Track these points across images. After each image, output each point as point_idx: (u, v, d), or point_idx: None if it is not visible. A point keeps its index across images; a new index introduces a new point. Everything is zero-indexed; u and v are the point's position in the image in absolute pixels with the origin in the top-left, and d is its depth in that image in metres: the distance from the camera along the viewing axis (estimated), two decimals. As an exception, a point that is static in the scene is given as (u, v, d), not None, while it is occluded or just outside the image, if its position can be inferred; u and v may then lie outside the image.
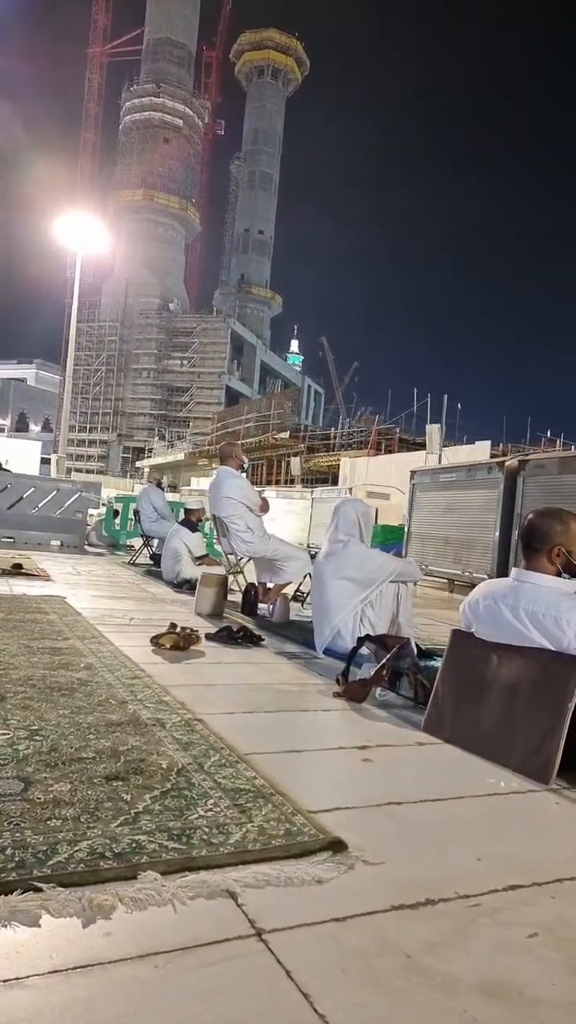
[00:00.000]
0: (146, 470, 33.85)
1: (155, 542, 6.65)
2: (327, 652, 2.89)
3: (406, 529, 7.96)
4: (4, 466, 10.55)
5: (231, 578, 4.35)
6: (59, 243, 18.64)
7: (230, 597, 4.13)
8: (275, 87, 63.95)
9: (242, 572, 4.50)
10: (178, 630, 2.80)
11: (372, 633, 2.67)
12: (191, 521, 5.36)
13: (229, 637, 3.03)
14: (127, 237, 51.87)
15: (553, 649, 1.73)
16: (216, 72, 61.43)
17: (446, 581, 7.18)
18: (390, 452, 19.04)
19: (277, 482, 24.47)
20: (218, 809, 1.27)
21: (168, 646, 2.71)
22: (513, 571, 1.91)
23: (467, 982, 0.86)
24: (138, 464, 41.96)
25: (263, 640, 3.12)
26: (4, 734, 1.56)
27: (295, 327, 76.05)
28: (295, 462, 22.32)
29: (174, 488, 23.78)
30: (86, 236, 17.88)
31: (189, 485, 24.09)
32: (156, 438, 44.95)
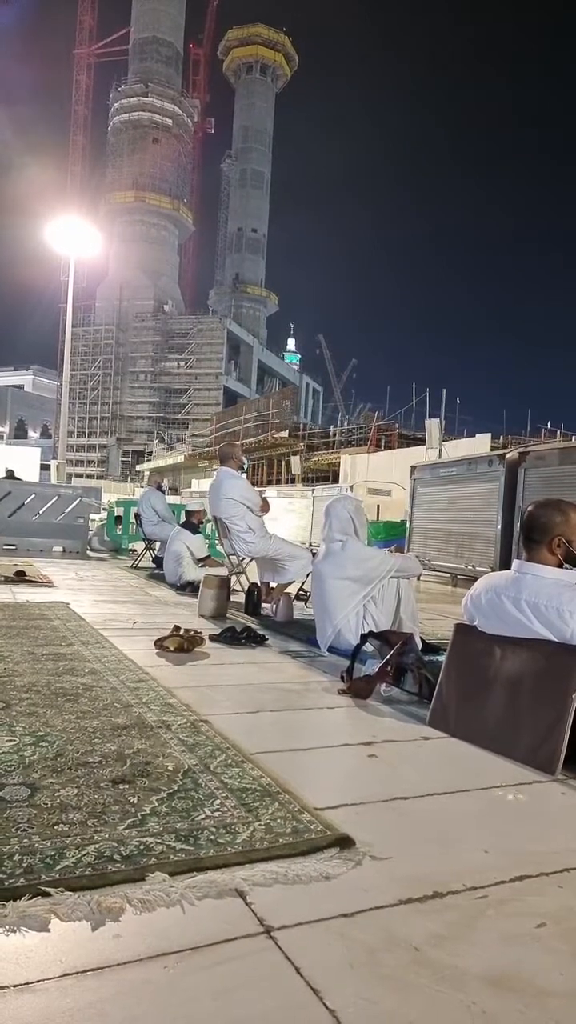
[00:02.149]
0: (146, 473, 33.90)
1: (157, 545, 6.65)
2: (331, 650, 2.90)
3: (408, 524, 7.95)
4: (14, 475, 10.59)
5: (234, 579, 4.35)
6: (52, 247, 18.64)
7: (233, 598, 4.14)
8: (264, 83, 63.74)
9: (244, 572, 4.50)
10: (182, 632, 2.81)
11: (375, 629, 2.67)
12: (192, 523, 5.37)
13: (233, 638, 3.04)
14: (120, 239, 51.85)
15: (556, 641, 1.73)
16: (204, 70, 61.33)
17: (449, 575, 7.18)
18: (390, 448, 19.03)
19: (277, 481, 24.47)
20: (225, 809, 1.27)
21: (172, 648, 2.71)
22: (514, 563, 1.91)
23: (475, 974, 0.87)
24: (138, 467, 41.98)
25: (267, 640, 3.12)
26: (10, 740, 1.57)
27: (292, 325, 76.03)
28: (295, 461, 22.31)
29: (175, 490, 23.79)
30: (79, 239, 17.87)
31: (190, 487, 24.09)
32: (155, 441, 44.96)
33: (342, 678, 2.34)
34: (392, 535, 8.61)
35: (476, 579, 2.06)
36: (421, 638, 2.75)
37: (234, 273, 62.74)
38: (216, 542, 5.54)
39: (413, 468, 8.04)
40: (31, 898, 0.95)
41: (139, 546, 7.37)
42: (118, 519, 8.94)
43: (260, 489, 6.34)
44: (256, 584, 4.19)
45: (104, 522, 9.37)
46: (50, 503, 7.75)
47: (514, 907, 1.03)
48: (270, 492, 12.99)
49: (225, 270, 65.22)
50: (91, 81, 55.69)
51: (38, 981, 0.80)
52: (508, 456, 6.41)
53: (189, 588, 4.81)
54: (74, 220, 17.85)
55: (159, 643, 2.76)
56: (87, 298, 48.98)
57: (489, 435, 14.90)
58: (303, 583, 4.46)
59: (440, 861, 1.16)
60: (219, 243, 67.98)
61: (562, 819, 1.40)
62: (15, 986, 0.79)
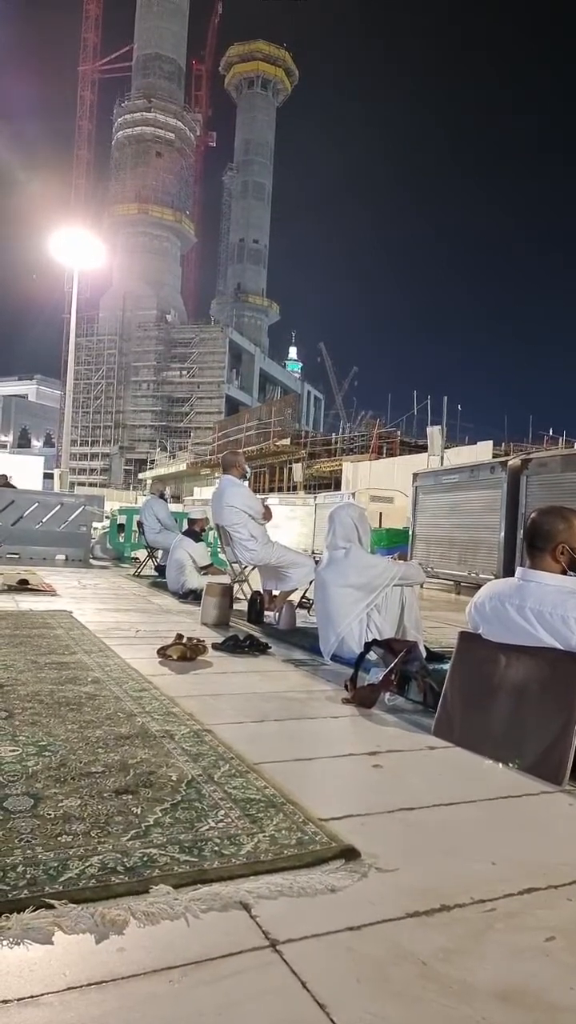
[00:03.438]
0: (149, 481, 33.96)
1: (160, 553, 6.65)
2: (334, 658, 2.88)
3: (410, 531, 7.94)
4: (8, 481, 10.61)
5: (236, 587, 4.35)
6: (56, 259, 18.81)
7: (236, 606, 4.13)
8: (265, 98, 64.60)
9: (247, 580, 4.50)
10: (184, 641, 2.80)
11: (379, 638, 2.66)
12: (195, 531, 5.37)
13: (236, 646, 3.03)
14: (123, 251, 52.31)
15: (561, 648, 1.72)
16: (206, 85, 62.18)
17: (452, 583, 7.15)
18: (392, 455, 19.05)
19: (280, 489, 24.48)
20: (229, 820, 1.26)
21: (175, 657, 2.71)
22: (518, 571, 1.90)
23: (484, 989, 0.85)
24: (140, 476, 42.08)
25: (270, 648, 3.11)
26: (13, 750, 1.56)
27: (293, 334, 76.36)
28: (297, 468, 22.34)
29: (177, 498, 23.82)
30: (82, 251, 18.05)
31: (192, 495, 24.13)
32: (158, 449, 45.12)
33: (346, 687, 2.33)
34: (395, 542, 8.61)
35: (479, 586, 2.05)
36: (425, 646, 2.74)
37: (236, 283, 63.18)
38: (219, 550, 5.54)
39: (415, 475, 8.04)
40: (35, 910, 0.94)
41: (141, 554, 7.37)
42: (120, 527, 8.94)
43: (262, 497, 6.34)
44: (259, 592, 4.18)
45: (107, 530, 9.38)
46: (53, 512, 7.77)
47: (523, 920, 1.02)
48: (272, 500, 13.00)
49: (227, 280, 65.72)
50: (95, 97, 56.48)
51: (42, 995, 0.79)
52: (510, 463, 6.41)
53: (192, 596, 4.81)
54: (78, 232, 18.02)
55: (162, 652, 2.75)
56: (90, 308, 49.37)
57: (491, 442, 14.91)
58: (306, 591, 4.45)
59: (447, 873, 1.15)
60: (221, 254, 68.61)
61: (570, 830, 1.39)
62: (19, 1000, 0.78)
